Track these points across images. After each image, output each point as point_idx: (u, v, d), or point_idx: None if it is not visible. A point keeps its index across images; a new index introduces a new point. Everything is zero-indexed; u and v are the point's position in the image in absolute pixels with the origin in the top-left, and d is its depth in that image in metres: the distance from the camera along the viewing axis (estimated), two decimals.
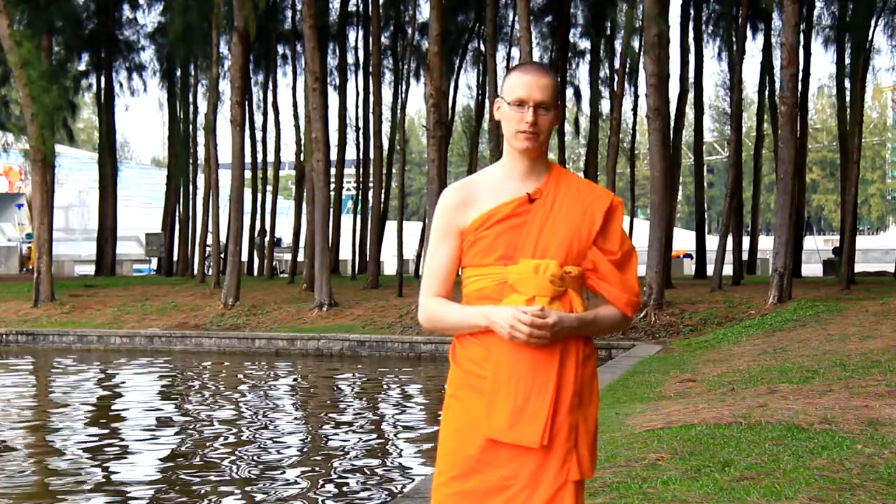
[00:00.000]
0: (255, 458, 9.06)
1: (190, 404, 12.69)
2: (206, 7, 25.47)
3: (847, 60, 25.43)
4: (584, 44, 30.68)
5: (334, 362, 17.10)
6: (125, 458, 9.27)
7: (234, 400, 13.23)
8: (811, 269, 35.67)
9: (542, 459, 2.53)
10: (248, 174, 29.04)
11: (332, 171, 27.16)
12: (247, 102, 29.12)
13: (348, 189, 48.58)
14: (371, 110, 29.23)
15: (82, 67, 34.48)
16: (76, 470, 8.66)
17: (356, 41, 32.25)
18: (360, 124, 32.27)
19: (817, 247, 47.68)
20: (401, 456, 9.28)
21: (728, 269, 25.93)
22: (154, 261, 39.96)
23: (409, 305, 19.26)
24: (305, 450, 9.55)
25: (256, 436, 10.25)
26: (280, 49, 33.06)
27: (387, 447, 9.70)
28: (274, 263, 34.38)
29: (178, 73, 33.50)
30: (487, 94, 25.76)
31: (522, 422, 2.52)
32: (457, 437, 2.60)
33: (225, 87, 30.52)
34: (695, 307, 17.57)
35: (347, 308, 20.11)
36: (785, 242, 17.06)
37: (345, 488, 7.92)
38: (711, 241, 30.60)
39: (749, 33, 27.71)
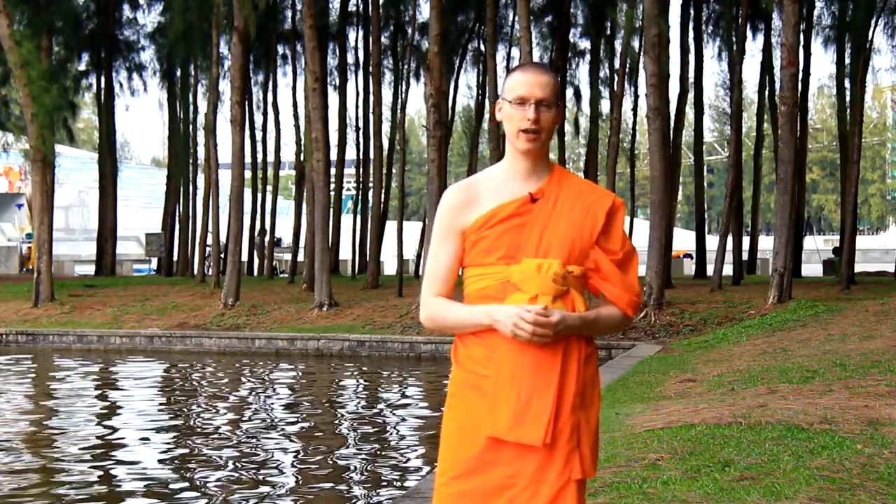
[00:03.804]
0: (255, 458, 9.07)
1: (189, 404, 12.69)
2: (206, 7, 25.48)
3: (847, 60, 25.44)
4: (584, 44, 30.71)
5: (334, 362, 17.11)
6: (125, 457, 9.27)
7: (233, 400, 13.24)
8: (811, 269, 35.68)
9: (544, 459, 2.54)
10: (248, 174, 29.05)
11: (332, 171, 27.16)
12: (247, 102, 29.13)
13: (348, 189, 48.58)
14: (371, 110, 29.24)
15: (82, 67, 34.49)
16: (74, 471, 8.66)
17: (356, 41, 32.29)
18: (360, 124, 32.28)
19: (817, 247, 47.71)
20: (401, 456, 9.28)
21: (728, 269, 25.93)
22: (154, 261, 39.96)
23: (409, 305, 19.26)
24: (305, 450, 9.55)
25: (256, 436, 10.25)
26: (280, 49, 33.08)
27: (387, 447, 9.70)
28: (274, 263, 34.39)
29: (178, 73, 33.52)
30: (487, 94, 25.74)
31: (525, 421, 2.53)
32: (459, 437, 2.60)
33: (225, 87, 30.56)
34: (695, 307, 17.57)
35: (347, 308, 20.11)
36: (785, 242, 17.07)
37: (345, 488, 7.92)
38: (711, 241, 30.61)
39: (749, 33, 27.72)
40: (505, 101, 2.67)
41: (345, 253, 37.29)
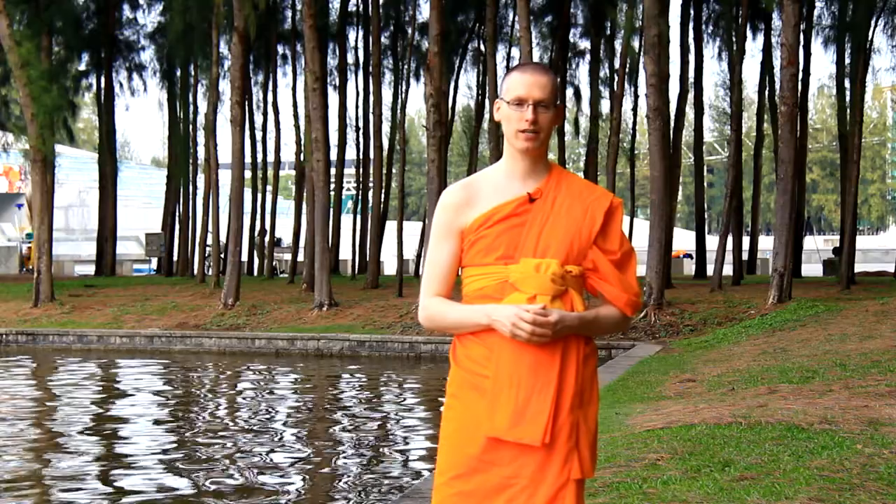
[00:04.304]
0: (255, 458, 9.06)
1: (189, 404, 12.69)
2: (206, 7, 25.48)
3: (847, 60, 25.43)
4: (584, 44, 30.71)
5: (334, 362, 17.10)
6: (125, 457, 9.26)
7: (233, 400, 13.24)
8: (811, 269, 35.69)
9: (543, 459, 2.53)
10: (248, 174, 29.05)
11: (332, 171, 27.16)
12: (247, 102, 29.13)
13: (348, 189, 48.58)
14: (371, 110, 29.25)
15: (82, 67, 34.51)
16: (75, 471, 8.66)
17: (356, 41, 32.31)
18: (360, 124, 32.29)
19: (817, 247, 47.75)
20: (401, 456, 9.28)
21: (728, 269, 25.94)
22: (154, 261, 39.97)
23: (409, 305, 19.26)
24: (305, 450, 9.55)
25: (256, 436, 10.24)
26: (280, 49, 33.08)
27: (387, 447, 9.70)
28: (274, 263, 34.39)
29: (178, 73, 33.51)
30: (487, 94, 25.76)
31: (524, 421, 2.52)
32: (458, 437, 2.60)
33: (225, 87, 30.58)
34: (695, 307, 17.57)
35: (347, 308, 20.11)
36: (785, 242, 17.06)
37: (345, 488, 7.91)
38: (711, 241, 30.61)
39: (749, 33, 27.73)
40: (503, 101, 2.66)
41: (345, 253, 37.29)
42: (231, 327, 19.49)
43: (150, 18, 44.96)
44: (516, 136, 2.64)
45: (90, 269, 37.78)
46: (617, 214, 2.69)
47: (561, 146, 31.46)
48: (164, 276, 34.46)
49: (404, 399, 13.28)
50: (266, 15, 26.23)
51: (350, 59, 32.00)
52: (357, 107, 32.35)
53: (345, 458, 9.09)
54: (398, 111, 30.25)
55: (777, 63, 25.47)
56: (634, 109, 30.08)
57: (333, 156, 28.33)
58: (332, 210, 26.42)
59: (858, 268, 28.70)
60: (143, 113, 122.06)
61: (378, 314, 19.42)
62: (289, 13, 31.87)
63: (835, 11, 27.08)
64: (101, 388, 14.53)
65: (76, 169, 63.99)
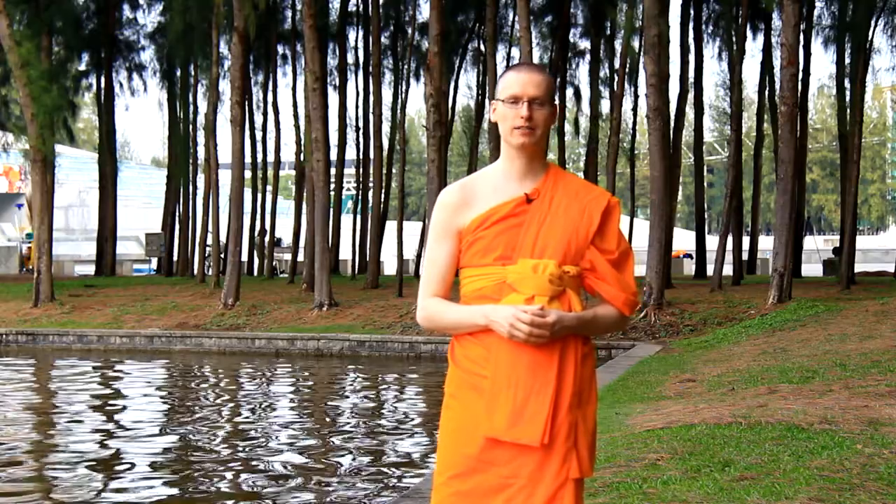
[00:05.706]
0: (255, 458, 9.06)
1: (187, 405, 12.68)
2: (206, 7, 25.49)
3: (847, 60, 25.44)
4: (584, 44, 30.74)
5: (334, 362, 17.10)
6: (125, 457, 9.26)
7: (233, 400, 13.23)
8: (811, 269, 35.70)
9: (542, 458, 2.53)
10: (248, 174, 29.05)
11: (332, 171, 27.16)
12: (247, 102, 29.14)
13: (348, 189, 48.60)
14: (371, 110, 29.26)
15: (82, 67, 34.53)
16: (76, 472, 8.65)
17: (356, 41, 32.33)
18: (360, 124, 32.30)
19: (817, 247, 47.78)
20: (400, 456, 9.28)
21: (728, 269, 25.95)
22: (154, 261, 39.98)
23: (409, 305, 19.26)
24: (305, 450, 9.54)
25: (256, 436, 10.24)
26: (280, 49, 33.10)
27: (386, 447, 9.69)
28: (274, 263, 34.40)
29: (178, 73, 33.53)
30: (487, 94, 25.77)
31: (523, 421, 2.52)
32: (457, 437, 2.60)
33: (225, 87, 30.60)
34: (695, 307, 17.56)
35: (347, 308, 20.12)
36: (785, 242, 17.07)
37: (344, 488, 7.91)
38: (711, 241, 30.63)
39: (749, 33, 27.75)
40: (499, 101, 2.66)
41: (345, 253, 37.31)
42: (231, 327, 19.49)
43: (150, 18, 45.09)
44: (512, 133, 2.64)
45: (90, 269, 37.79)
46: (614, 214, 2.68)
47: (561, 146, 31.48)
48: (164, 276, 34.47)
49: (404, 399, 13.28)
50: (266, 15, 26.24)
51: (350, 59, 32.04)
52: (357, 107, 32.37)
53: (344, 458, 9.09)
54: (398, 111, 30.26)
55: (777, 63, 25.48)
56: (634, 109, 30.09)
57: (333, 156, 28.34)
58: (332, 210, 26.43)
59: (858, 268, 28.72)
60: (143, 113, 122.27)
61: (378, 314, 19.42)
62: (289, 13, 31.88)
63: (835, 11, 27.09)
64: (99, 389, 14.53)
65: (76, 169, 64.01)
